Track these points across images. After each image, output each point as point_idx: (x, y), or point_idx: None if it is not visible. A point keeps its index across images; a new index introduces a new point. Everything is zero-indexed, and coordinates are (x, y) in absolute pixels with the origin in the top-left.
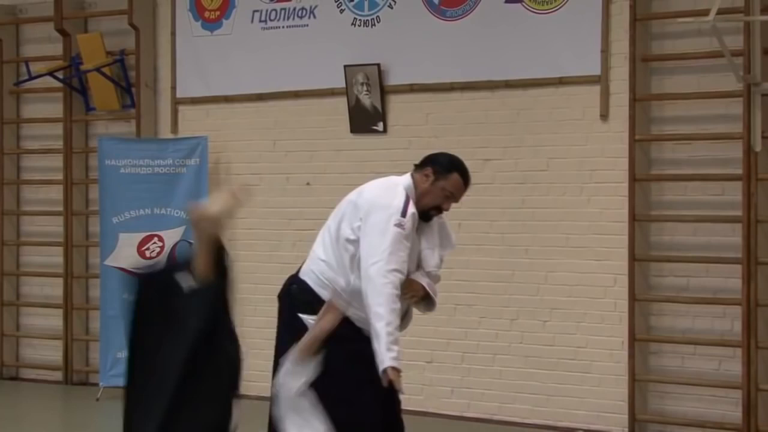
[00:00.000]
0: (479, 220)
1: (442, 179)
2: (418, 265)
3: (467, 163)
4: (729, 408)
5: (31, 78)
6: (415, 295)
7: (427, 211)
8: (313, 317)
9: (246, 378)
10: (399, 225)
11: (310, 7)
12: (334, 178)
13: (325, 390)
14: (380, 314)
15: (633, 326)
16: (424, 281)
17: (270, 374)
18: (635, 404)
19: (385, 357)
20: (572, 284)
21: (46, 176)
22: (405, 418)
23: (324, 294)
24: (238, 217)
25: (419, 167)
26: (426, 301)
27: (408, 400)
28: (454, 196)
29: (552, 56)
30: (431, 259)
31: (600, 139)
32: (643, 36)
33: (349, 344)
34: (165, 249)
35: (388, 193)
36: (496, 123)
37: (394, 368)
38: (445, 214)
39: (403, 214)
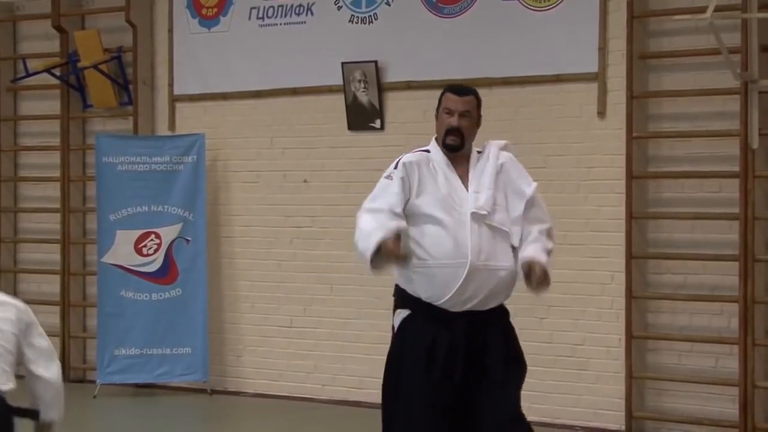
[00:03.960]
0: None
1: (439, 106)
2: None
3: None
4: (726, 405)
5: (29, 75)
6: (544, 282)
7: (444, 140)
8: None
9: (242, 375)
10: (387, 177)
11: (308, 5)
12: (331, 176)
13: (386, 375)
14: (355, 244)
15: (630, 323)
16: (539, 258)
17: (265, 371)
18: (632, 401)
19: (366, 253)
20: (569, 281)
21: (44, 173)
22: None
23: (401, 282)
24: (235, 214)
25: None
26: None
27: None
28: (451, 110)
29: (549, 53)
30: (476, 200)
31: (597, 136)
32: (641, 33)
33: (413, 329)
34: (162, 246)
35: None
36: (494, 120)
37: (379, 247)
38: (509, 162)
39: (396, 166)
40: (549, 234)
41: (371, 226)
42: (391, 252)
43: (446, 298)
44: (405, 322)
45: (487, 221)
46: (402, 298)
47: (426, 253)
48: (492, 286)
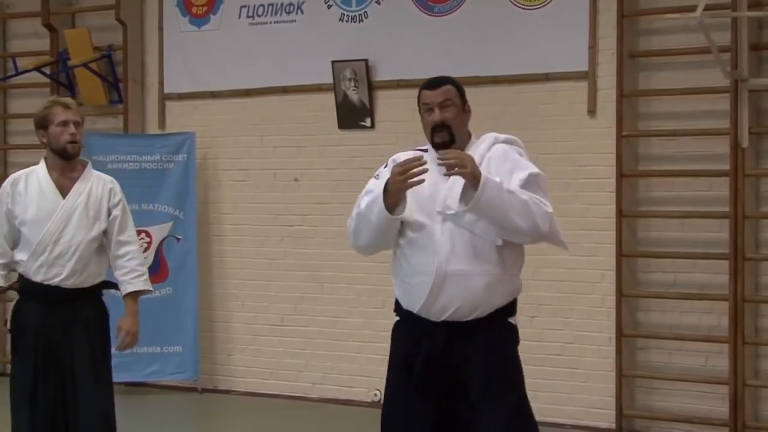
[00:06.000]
0: None
1: (420, 107)
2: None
3: None
4: (716, 403)
5: (18, 73)
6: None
7: (432, 138)
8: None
9: (233, 374)
10: (375, 177)
11: (298, 3)
12: (321, 174)
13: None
14: (353, 227)
15: (620, 322)
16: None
17: (256, 370)
18: (623, 400)
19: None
20: (560, 280)
21: None
22: None
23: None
24: (225, 212)
25: None
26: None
27: None
28: (428, 105)
29: (539, 52)
30: (445, 199)
31: (587, 135)
32: (631, 32)
33: (399, 335)
34: (152, 245)
35: None
36: (483, 119)
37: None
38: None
39: (386, 165)
40: (529, 204)
41: (368, 198)
42: (401, 170)
43: (418, 307)
44: (394, 328)
45: (454, 221)
46: (396, 303)
47: (407, 261)
48: (469, 294)
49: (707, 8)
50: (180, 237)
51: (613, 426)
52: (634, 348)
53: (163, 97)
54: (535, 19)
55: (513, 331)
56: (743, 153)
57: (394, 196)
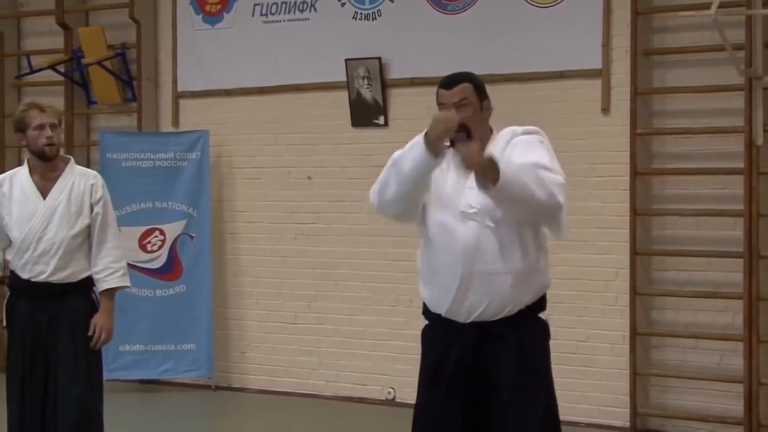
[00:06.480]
0: None
1: (437, 102)
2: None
3: None
4: (730, 402)
5: (33, 71)
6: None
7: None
8: None
9: (247, 371)
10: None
11: (311, 1)
12: (335, 172)
13: None
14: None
15: (634, 320)
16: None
17: (269, 367)
18: (637, 398)
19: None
20: (573, 278)
21: None
22: (407, 412)
23: (420, 290)
24: (239, 210)
25: None
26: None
27: (408, 395)
28: (444, 105)
29: (553, 50)
30: (466, 198)
31: (601, 133)
32: (645, 30)
33: (428, 339)
34: (166, 242)
35: None
36: (497, 117)
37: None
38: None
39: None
40: (541, 175)
41: (406, 147)
42: (443, 120)
43: (446, 309)
44: (423, 331)
45: (477, 219)
46: (424, 306)
47: (431, 261)
48: (497, 293)
49: (721, 6)
50: (194, 235)
51: (628, 424)
52: (648, 346)
53: (177, 95)
54: (549, 16)
55: (543, 327)
56: (758, 151)
57: (433, 144)
